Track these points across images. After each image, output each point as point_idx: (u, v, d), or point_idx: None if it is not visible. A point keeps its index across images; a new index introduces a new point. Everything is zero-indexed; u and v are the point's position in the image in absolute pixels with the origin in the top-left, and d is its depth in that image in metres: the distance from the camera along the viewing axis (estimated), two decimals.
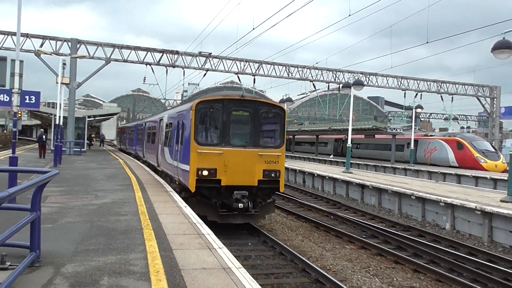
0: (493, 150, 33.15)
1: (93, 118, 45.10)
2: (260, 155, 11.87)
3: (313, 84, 42.24)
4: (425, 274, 9.71)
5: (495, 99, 48.38)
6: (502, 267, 10.12)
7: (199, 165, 11.39)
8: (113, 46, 34.85)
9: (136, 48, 35.77)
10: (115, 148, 51.46)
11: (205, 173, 11.39)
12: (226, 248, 6.66)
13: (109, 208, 9.63)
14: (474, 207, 13.42)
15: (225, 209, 11.71)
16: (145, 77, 45.72)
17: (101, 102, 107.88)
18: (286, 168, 27.75)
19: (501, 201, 14.49)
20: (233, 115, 11.99)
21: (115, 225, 7.88)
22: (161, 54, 36.22)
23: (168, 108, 46.81)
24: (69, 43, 33.34)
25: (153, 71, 36.98)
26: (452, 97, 47.16)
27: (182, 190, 12.88)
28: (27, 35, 32.69)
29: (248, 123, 12.13)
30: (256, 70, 39.29)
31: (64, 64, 26.27)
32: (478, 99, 48.90)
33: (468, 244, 12.54)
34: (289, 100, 39.26)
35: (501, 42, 14.69)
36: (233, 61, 38.29)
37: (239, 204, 11.44)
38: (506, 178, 15.93)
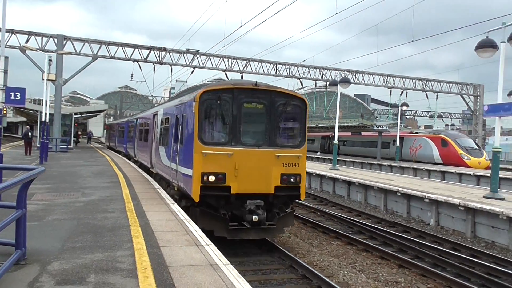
0: (477, 147, 33.69)
1: (79, 115, 44.70)
2: (277, 156, 10.08)
3: (300, 82, 42.41)
4: (410, 269, 9.88)
5: (478, 97, 49.09)
6: (484, 262, 10.33)
7: (204, 169, 9.57)
8: (100, 42, 34.54)
9: (124, 45, 35.51)
10: (103, 146, 51.00)
11: (211, 178, 9.56)
12: (213, 245, 6.70)
13: (96, 205, 9.59)
14: (458, 203, 13.65)
15: (236, 222, 10.03)
16: (132, 74, 45.70)
17: (88, 99, 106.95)
18: None
19: (484, 197, 14.76)
20: (245, 107, 10.10)
21: (102, 222, 7.86)
22: (148, 51, 36.00)
23: (155, 104, 46.53)
24: (55, 39, 32.96)
25: (140, 68, 36.85)
26: (437, 95, 47.78)
27: (182, 197, 11.13)
28: (12, 31, 32.22)
29: (263, 117, 10.30)
30: (244, 68, 39.28)
31: (50, 60, 25.94)
32: (462, 97, 49.57)
33: (452, 239, 12.77)
34: None
35: (485, 41, 14.94)
36: (221, 59, 38.24)
37: (253, 216, 9.60)
38: (489, 175, 16.21)
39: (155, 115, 16.37)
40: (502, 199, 14.41)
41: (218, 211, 9.94)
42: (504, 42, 14.55)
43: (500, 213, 12.12)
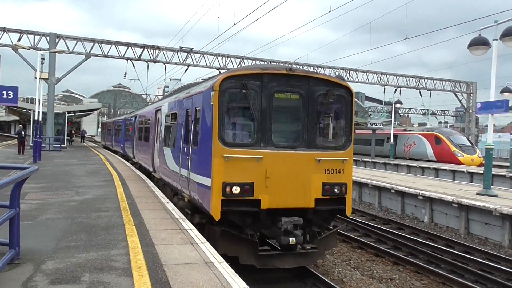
0: (470, 145, 33.93)
1: (73, 114, 44.49)
2: (318, 161, 8.11)
3: None
4: (404, 266, 9.94)
5: (471, 94, 49.34)
6: (478, 258, 10.41)
7: (227, 178, 7.62)
8: (93, 41, 34.34)
9: (117, 43, 35.32)
10: (98, 145, 50.77)
11: (236, 190, 7.62)
12: (208, 243, 6.70)
13: (90, 204, 9.55)
14: (451, 200, 13.74)
15: (267, 245, 8.62)
16: (126, 73, 45.35)
17: (81, 98, 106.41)
18: None
19: (477, 194, 14.86)
20: (277, 98, 8.10)
21: (96, 221, 7.83)
22: (142, 49, 35.84)
23: (149, 103, 46.35)
24: (48, 38, 32.71)
25: (134, 66, 36.68)
26: (430, 93, 47.94)
27: (195, 212, 9.07)
28: (4, 29, 31.97)
29: (299, 111, 8.30)
30: (238, 66, 39.22)
31: (43, 59, 25.79)
32: (455, 95, 49.80)
33: (445, 236, 12.85)
34: None
35: (477, 39, 15.03)
36: (215, 57, 38.15)
37: (290, 239, 7.71)
38: (482, 172, 16.33)
39: (157, 110, 14.50)
40: (495, 195, 14.52)
41: (243, 231, 7.95)
42: (496, 40, 14.64)
43: (493, 210, 12.21)
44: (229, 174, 7.64)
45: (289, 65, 8.50)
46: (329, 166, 8.23)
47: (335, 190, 8.26)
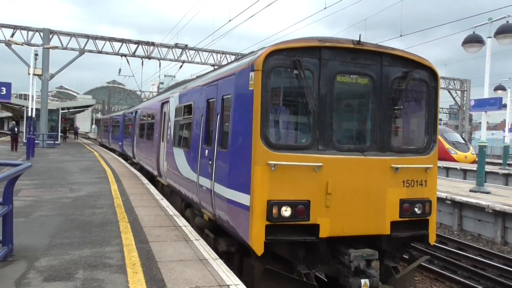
0: (463, 142, 34.14)
1: (67, 110, 44.28)
2: (394, 169, 6.06)
3: None
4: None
5: (465, 92, 49.63)
6: (470, 255, 10.49)
7: (274, 195, 5.55)
8: (87, 36, 34.13)
9: (111, 39, 35.12)
10: (92, 142, 50.58)
11: (285, 211, 5.55)
12: (202, 240, 6.70)
13: (84, 201, 9.52)
14: (445, 197, 13.82)
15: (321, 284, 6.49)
16: (120, 69, 45.29)
17: (75, 94, 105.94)
18: None
19: (470, 191, 14.97)
20: (339, 82, 6.04)
21: (90, 218, 7.81)
22: (136, 45, 35.67)
23: (144, 99, 46.11)
24: (41, 33, 32.47)
25: (128, 62, 36.56)
26: None
27: (220, 234, 6.89)
28: None
29: (369, 100, 6.27)
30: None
31: (36, 55, 25.63)
32: (449, 92, 50.06)
33: (439, 233, 12.93)
34: None
35: (471, 37, 15.10)
36: (210, 53, 38.05)
37: (363, 281, 5.61)
38: (475, 169, 16.43)
39: (164, 103, 12.36)
40: (488, 192, 14.63)
41: (294, 268, 5.83)
42: (491, 37, 14.73)
43: (486, 207, 12.30)
44: (276, 189, 5.53)
45: (357, 39, 6.10)
46: (408, 177, 6.15)
47: (416, 209, 6.19)
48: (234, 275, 5.17)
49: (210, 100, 7.59)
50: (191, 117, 8.80)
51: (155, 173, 12.73)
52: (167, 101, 11.77)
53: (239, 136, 6.10)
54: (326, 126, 5.86)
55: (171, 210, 8.93)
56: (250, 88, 5.73)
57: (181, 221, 7.90)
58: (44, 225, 7.20)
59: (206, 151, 7.43)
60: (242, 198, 5.77)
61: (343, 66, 5.99)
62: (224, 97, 6.83)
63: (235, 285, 4.78)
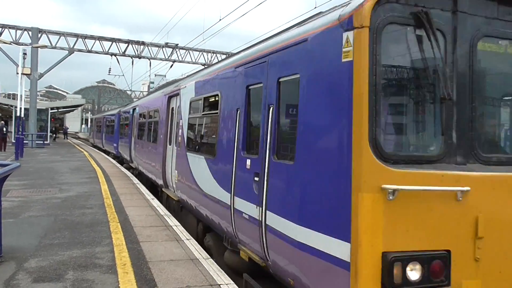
0: None
1: (56, 110, 43.93)
2: None
3: None
4: None
5: None
6: None
7: (392, 243, 3.30)
8: (77, 36, 33.87)
9: (101, 38, 34.91)
10: (82, 142, 50.26)
11: (413, 271, 3.30)
12: (193, 240, 6.70)
13: (74, 201, 9.46)
14: None
15: None
16: (110, 68, 44.93)
17: (64, 94, 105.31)
18: None
19: None
20: (482, 52, 3.78)
21: (80, 218, 7.76)
22: (126, 44, 35.50)
23: (134, 99, 45.78)
24: (30, 32, 32.16)
25: (118, 62, 36.31)
26: None
27: (269, 281, 5.08)
28: None
29: None
30: None
31: (25, 54, 25.43)
32: None
33: None
34: None
35: None
36: (200, 53, 37.98)
37: None
38: None
39: (171, 97, 10.44)
40: None
41: None
42: None
43: None
44: (396, 233, 3.34)
45: None
46: None
47: None
48: (225, 274, 5.17)
49: (251, 87, 5.49)
50: (217, 113, 6.70)
51: (160, 181, 10.65)
52: (177, 94, 9.68)
53: (320, 141, 3.86)
54: (466, 123, 3.63)
55: (162, 210, 8.91)
56: (343, 60, 3.50)
57: (172, 221, 7.88)
58: (34, 226, 7.14)
59: (248, 161, 5.25)
60: (333, 246, 3.53)
61: (489, 26, 3.76)
62: (281, 79, 4.64)
63: (226, 284, 4.78)
